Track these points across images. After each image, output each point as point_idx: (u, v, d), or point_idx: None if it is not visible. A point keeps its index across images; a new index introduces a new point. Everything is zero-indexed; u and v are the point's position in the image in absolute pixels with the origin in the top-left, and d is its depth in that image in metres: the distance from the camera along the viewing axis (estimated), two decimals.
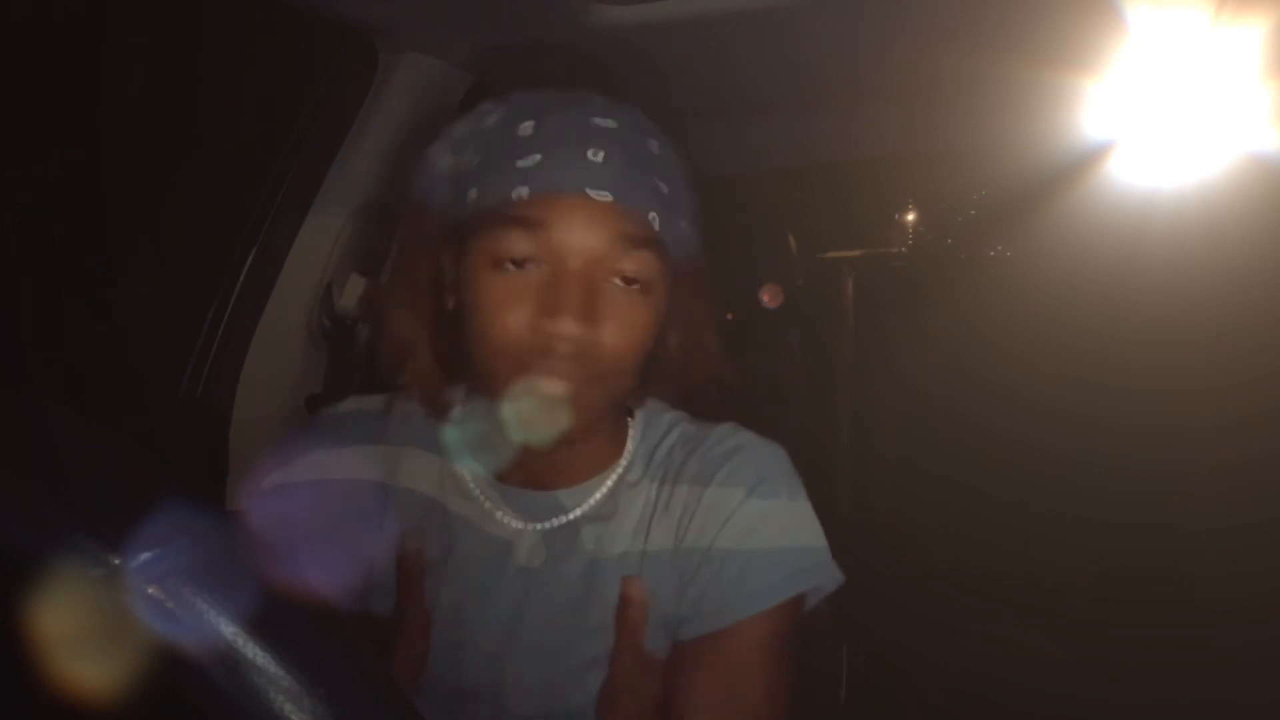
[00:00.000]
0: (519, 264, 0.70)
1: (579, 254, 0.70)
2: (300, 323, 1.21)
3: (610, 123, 0.73)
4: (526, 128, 0.72)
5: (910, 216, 3.49)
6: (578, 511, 0.81)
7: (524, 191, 0.70)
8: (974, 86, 1.30)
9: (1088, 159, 1.60)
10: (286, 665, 0.30)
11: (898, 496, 2.76)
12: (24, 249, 1.12)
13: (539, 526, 0.81)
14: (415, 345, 0.80)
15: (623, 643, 0.77)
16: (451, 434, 0.82)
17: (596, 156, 0.70)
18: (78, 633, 0.29)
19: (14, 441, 0.32)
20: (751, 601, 0.75)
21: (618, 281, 0.71)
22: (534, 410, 0.71)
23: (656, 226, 0.72)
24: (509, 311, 0.70)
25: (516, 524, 0.81)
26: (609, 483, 0.82)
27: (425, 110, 1.23)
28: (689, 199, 0.78)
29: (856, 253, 3.06)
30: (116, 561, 0.29)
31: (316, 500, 0.81)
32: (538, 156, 0.70)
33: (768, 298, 1.79)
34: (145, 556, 0.30)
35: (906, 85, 1.33)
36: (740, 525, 0.77)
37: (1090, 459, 2.52)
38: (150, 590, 0.30)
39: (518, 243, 0.70)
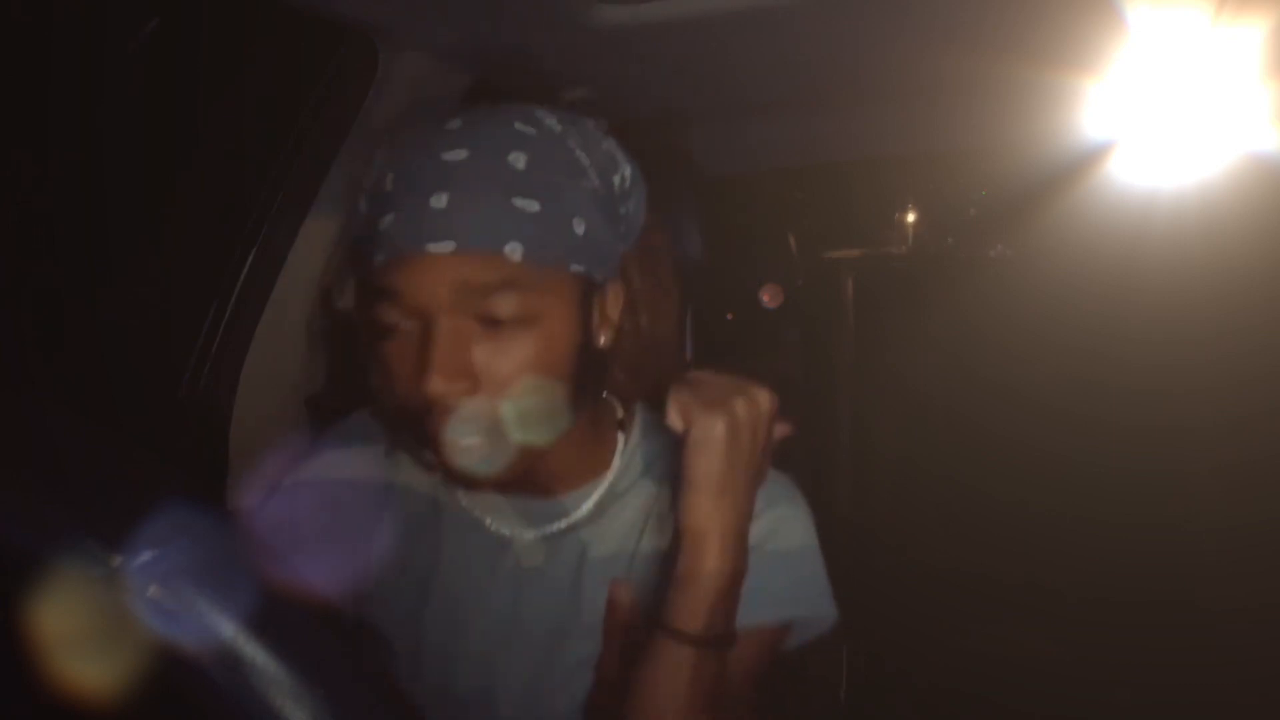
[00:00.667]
0: (391, 331, 0.69)
1: (430, 314, 0.67)
2: (300, 323, 1.21)
3: (461, 154, 0.67)
4: (388, 181, 0.69)
5: (910, 216, 3.49)
6: (573, 516, 0.81)
7: (381, 258, 0.68)
8: (974, 86, 1.30)
9: (1088, 159, 1.60)
10: (286, 665, 0.30)
11: (898, 496, 2.76)
12: (24, 249, 1.12)
13: (533, 532, 0.81)
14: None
15: (610, 647, 0.77)
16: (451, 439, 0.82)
17: (439, 202, 0.66)
18: (78, 633, 0.29)
19: (14, 441, 0.32)
20: (745, 614, 0.74)
21: (485, 326, 0.67)
22: (474, 452, 0.69)
23: (518, 257, 0.66)
24: (392, 380, 0.69)
25: (510, 529, 0.81)
26: (602, 488, 0.82)
27: (425, 110, 1.23)
28: (602, 190, 0.72)
29: (856, 253, 3.06)
30: (116, 561, 0.29)
31: (317, 500, 0.81)
32: (390, 216, 0.67)
33: (768, 298, 1.79)
34: (145, 556, 0.30)
35: (906, 85, 1.33)
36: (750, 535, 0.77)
37: (1090, 459, 2.52)
38: (150, 590, 0.30)
39: (383, 313, 0.68)
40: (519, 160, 0.68)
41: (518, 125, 0.70)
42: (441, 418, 0.67)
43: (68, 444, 0.32)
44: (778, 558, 0.78)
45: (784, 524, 0.80)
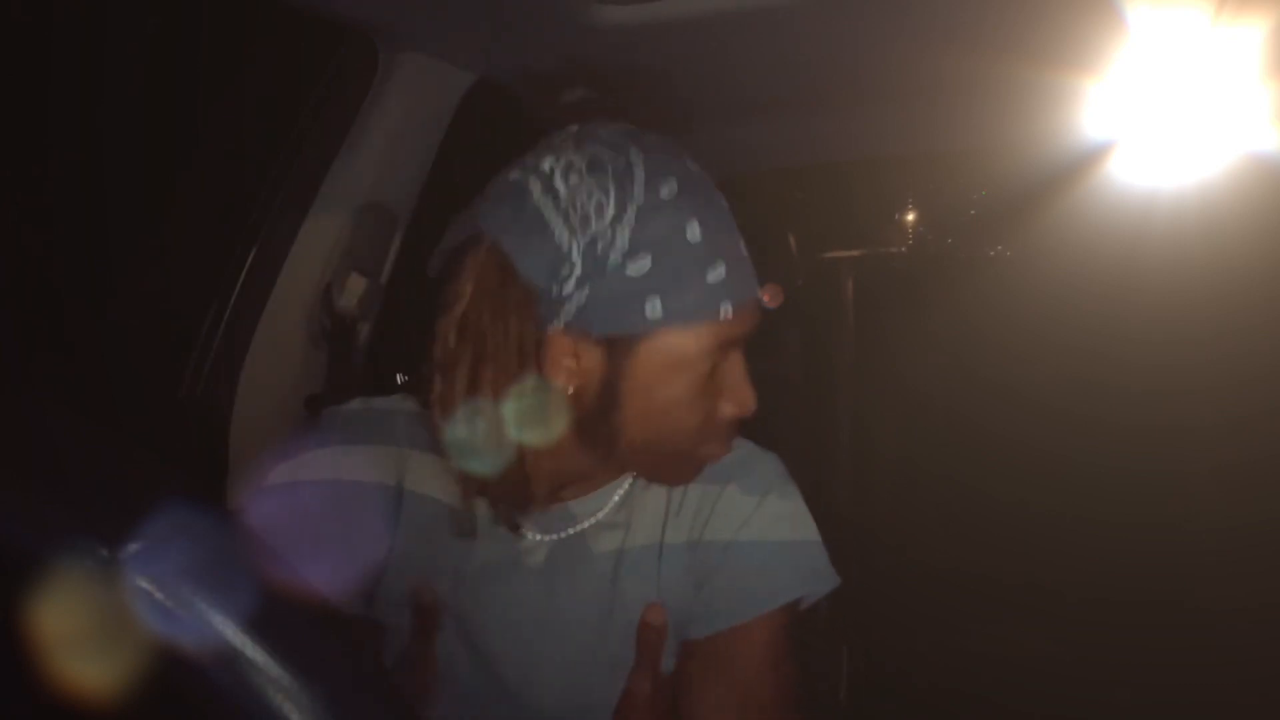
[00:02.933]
0: (711, 367, 0.75)
1: (740, 344, 0.78)
2: (300, 323, 1.21)
3: (723, 201, 0.78)
4: (694, 231, 0.73)
5: (910, 216, 3.49)
6: (590, 520, 0.81)
7: (728, 309, 0.74)
8: (974, 86, 1.30)
9: (1088, 159, 1.60)
10: (286, 665, 0.30)
11: (898, 496, 2.76)
12: (24, 249, 1.12)
13: (551, 537, 0.81)
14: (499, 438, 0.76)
15: (642, 664, 0.79)
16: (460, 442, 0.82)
17: (744, 251, 0.77)
18: (78, 632, 0.29)
19: (14, 441, 0.32)
20: (764, 600, 0.78)
21: None
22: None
23: None
24: (697, 405, 0.75)
25: (536, 532, 0.81)
26: (621, 490, 0.83)
27: (425, 110, 1.23)
28: None
29: (856, 253, 3.06)
30: (116, 561, 0.29)
31: (319, 500, 0.81)
32: (722, 267, 0.74)
33: (768, 298, 1.79)
34: (145, 556, 0.30)
35: (906, 85, 1.33)
36: (756, 527, 0.80)
37: (1090, 459, 2.52)
38: (150, 590, 0.30)
39: (714, 353, 0.74)
40: None
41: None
42: (729, 436, 0.79)
43: (68, 444, 0.32)
44: (776, 547, 0.81)
45: (778, 512, 0.82)
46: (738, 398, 0.77)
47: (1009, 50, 1.13)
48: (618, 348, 0.72)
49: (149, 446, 0.33)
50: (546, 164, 0.72)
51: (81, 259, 1.18)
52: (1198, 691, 2.02)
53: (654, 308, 0.71)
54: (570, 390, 0.74)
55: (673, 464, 0.78)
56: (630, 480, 0.83)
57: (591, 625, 0.80)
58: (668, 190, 0.72)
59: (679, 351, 0.73)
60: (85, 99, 1.15)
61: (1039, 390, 2.49)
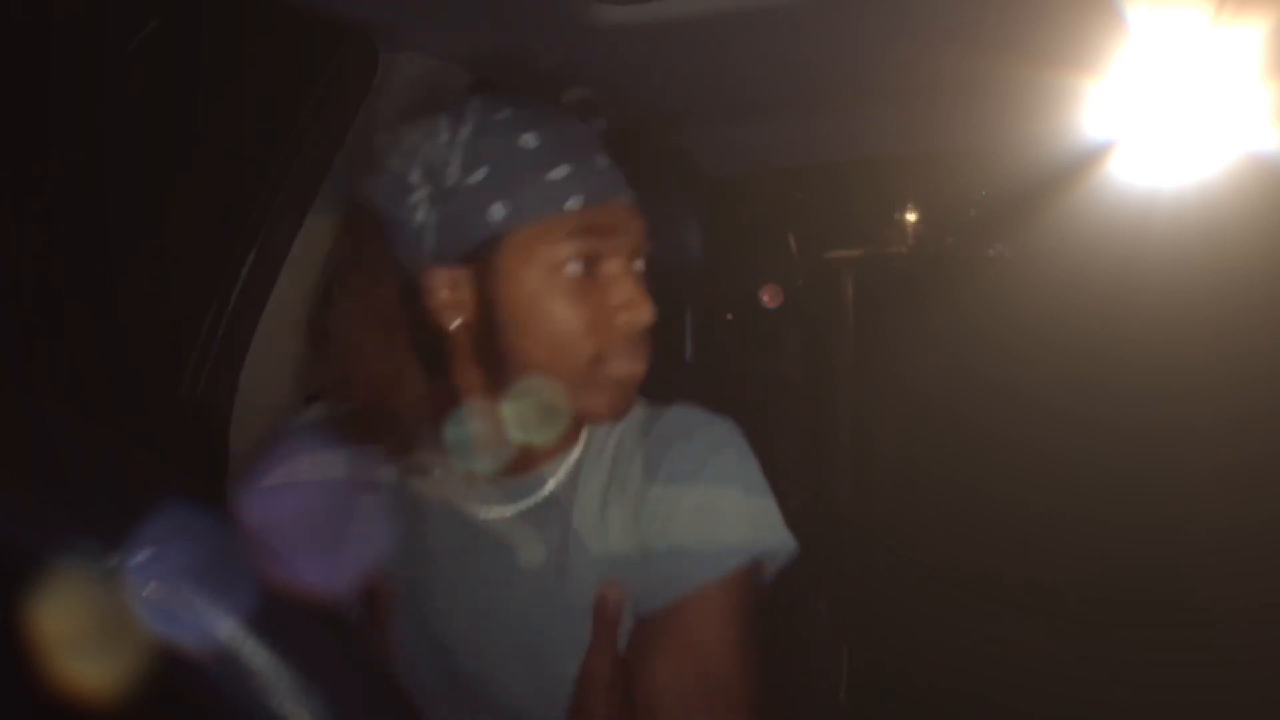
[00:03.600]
0: (580, 269, 0.75)
1: (627, 253, 0.78)
2: (300, 323, 1.21)
3: (582, 126, 0.80)
4: (529, 139, 0.76)
5: (910, 216, 3.49)
6: (542, 492, 0.82)
7: (576, 202, 0.74)
8: (974, 86, 1.30)
9: (1088, 159, 1.60)
10: (286, 665, 0.30)
11: (898, 496, 2.76)
12: (24, 248, 1.12)
13: (511, 508, 0.81)
14: (400, 378, 0.79)
15: (599, 643, 0.77)
16: (451, 436, 0.83)
17: (604, 162, 0.78)
18: (78, 633, 0.29)
19: (14, 441, 0.32)
20: (711, 564, 0.76)
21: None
22: (537, 411, 0.75)
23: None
24: (581, 310, 0.75)
25: (487, 510, 0.82)
26: (569, 464, 0.83)
27: (425, 110, 1.23)
28: None
29: (856, 253, 3.06)
30: (116, 561, 0.29)
31: (319, 500, 0.81)
32: (566, 168, 0.75)
33: (768, 298, 1.80)
34: (145, 556, 0.30)
35: (906, 85, 1.33)
36: (700, 489, 0.79)
37: (1090, 459, 2.52)
38: (150, 590, 0.30)
39: (582, 249, 0.75)
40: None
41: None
42: (634, 347, 0.77)
43: (68, 444, 0.32)
44: (722, 509, 0.79)
45: (724, 473, 0.80)
46: (626, 304, 0.76)
47: (1009, 50, 1.13)
48: (481, 266, 0.75)
49: (149, 446, 0.33)
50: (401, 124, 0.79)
51: (81, 259, 1.18)
52: (1198, 691, 2.02)
53: (496, 211, 0.74)
54: (458, 325, 0.77)
55: (589, 388, 0.77)
56: (582, 447, 0.84)
57: (543, 605, 0.79)
58: (501, 115, 0.77)
59: (534, 253, 0.74)
60: (85, 99, 1.14)
61: (1039, 390, 2.49)
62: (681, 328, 1.80)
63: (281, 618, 0.32)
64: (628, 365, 0.77)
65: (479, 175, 0.74)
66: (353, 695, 0.33)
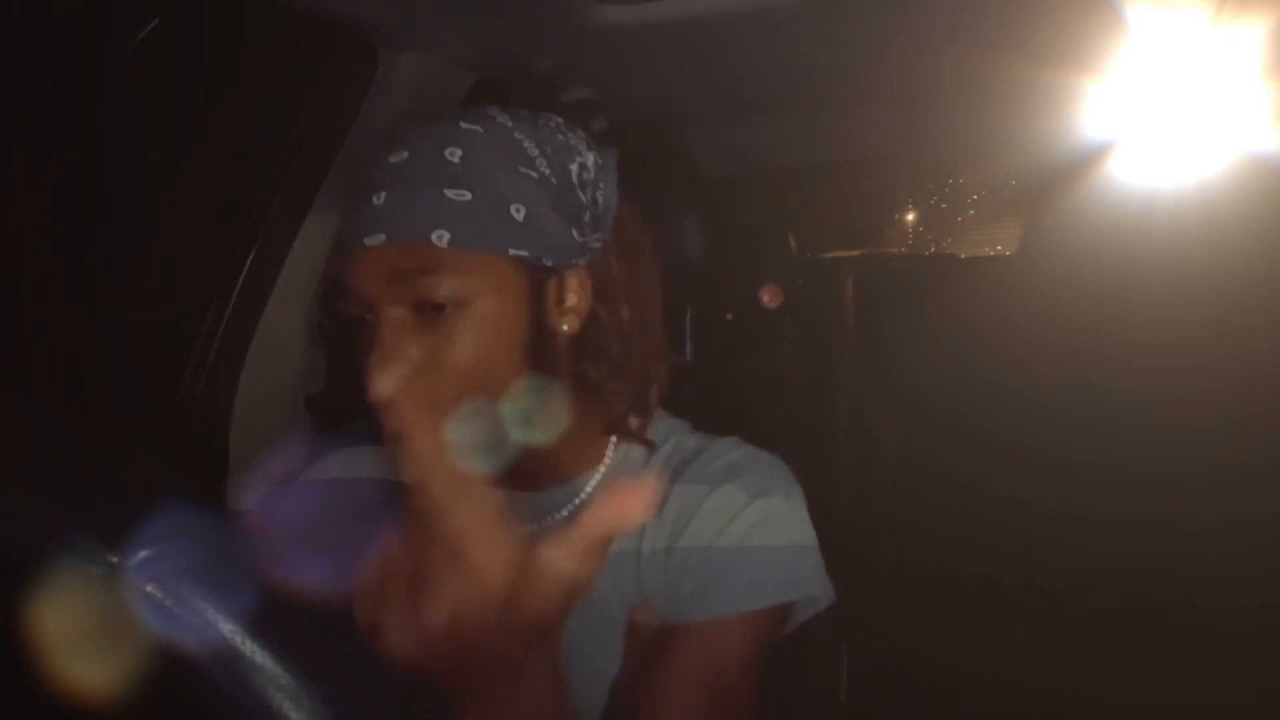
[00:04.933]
0: (361, 322, 0.73)
1: (370, 303, 0.71)
2: (300, 323, 1.21)
3: (403, 155, 0.72)
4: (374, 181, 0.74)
5: (910, 216, 3.50)
6: (563, 512, 0.80)
7: (339, 258, 0.73)
8: (974, 86, 1.30)
9: (1088, 159, 1.60)
10: (286, 665, 0.30)
11: (898, 496, 2.76)
12: (24, 249, 1.12)
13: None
14: None
15: (629, 667, 0.77)
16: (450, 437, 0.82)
17: (379, 200, 0.71)
18: (78, 632, 0.29)
19: (14, 441, 0.32)
20: (743, 598, 0.75)
21: (423, 315, 0.70)
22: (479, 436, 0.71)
23: (444, 243, 0.69)
24: (361, 370, 0.72)
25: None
26: (595, 480, 0.82)
27: (425, 110, 1.23)
28: (553, 176, 0.74)
29: (856, 253, 3.06)
30: (116, 561, 0.29)
31: (319, 500, 0.81)
32: (346, 217, 0.74)
33: (768, 298, 1.80)
34: (145, 556, 0.30)
35: (906, 85, 1.33)
36: (740, 528, 0.77)
37: (1090, 459, 2.52)
38: (150, 589, 0.30)
39: (341, 307, 0.73)
40: (455, 155, 0.72)
41: (463, 124, 0.74)
42: (390, 408, 0.69)
43: (68, 444, 0.32)
44: (761, 550, 0.78)
45: (768, 515, 0.79)
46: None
47: (1009, 50, 1.13)
48: None
49: (149, 446, 0.33)
50: None
51: (82, 259, 1.18)
52: (1198, 691, 2.02)
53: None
54: None
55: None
56: (603, 472, 0.82)
57: (577, 619, 0.78)
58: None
59: None
60: (85, 98, 1.14)
61: (1039, 390, 2.48)
62: (681, 328, 1.80)
63: (281, 618, 0.32)
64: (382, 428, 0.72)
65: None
66: (352, 695, 0.33)
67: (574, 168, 0.76)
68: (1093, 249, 2.53)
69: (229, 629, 0.30)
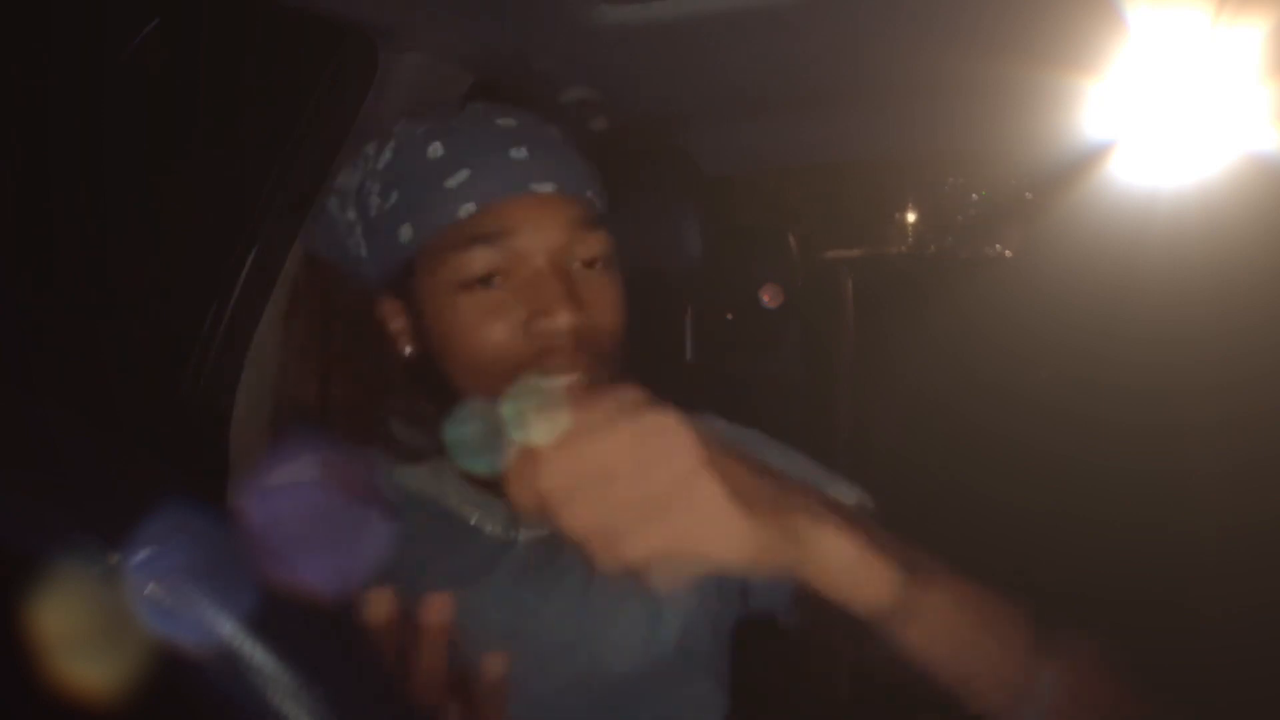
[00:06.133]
0: (487, 280, 0.69)
1: (544, 250, 0.70)
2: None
3: (511, 122, 0.73)
4: (435, 149, 0.71)
5: (910, 216, 3.50)
6: None
7: (470, 208, 0.69)
8: (974, 86, 1.30)
9: (1088, 159, 1.60)
10: (286, 665, 0.30)
11: (897, 496, 2.75)
12: (24, 248, 1.12)
13: (537, 532, 0.79)
14: (378, 406, 0.78)
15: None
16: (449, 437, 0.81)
17: (520, 154, 0.70)
18: (78, 633, 0.29)
19: (14, 442, 0.32)
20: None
21: (582, 267, 0.71)
22: (536, 411, 0.70)
23: (599, 203, 0.74)
24: (496, 324, 0.69)
25: (513, 532, 0.79)
26: None
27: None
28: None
29: (856, 253, 3.06)
30: (116, 560, 0.29)
31: (319, 500, 0.81)
32: (465, 172, 0.69)
33: (768, 298, 1.80)
34: (145, 555, 0.30)
35: (906, 85, 1.33)
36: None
37: (1091, 459, 2.52)
38: (150, 589, 0.30)
39: (482, 258, 0.69)
40: (556, 132, 0.75)
41: (532, 113, 0.77)
42: (556, 357, 0.68)
43: (68, 444, 0.32)
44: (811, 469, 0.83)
45: (780, 461, 0.80)
46: (541, 309, 0.68)
47: (1009, 50, 1.13)
48: (406, 291, 0.73)
49: (149, 446, 0.33)
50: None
51: (82, 259, 1.18)
52: (1198, 691, 2.01)
53: (405, 231, 0.71)
54: (410, 353, 0.75)
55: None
56: None
57: (589, 632, 0.77)
58: (422, 128, 0.73)
59: (439, 269, 0.69)
60: (85, 98, 1.14)
61: (1039, 390, 2.49)
62: (681, 328, 1.80)
63: (281, 618, 0.32)
64: (559, 367, 0.69)
65: (392, 199, 0.71)
66: (352, 695, 0.33)
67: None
68: (1093, 249, 2.53)
69: (229, 629, 0.30)
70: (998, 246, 3.40)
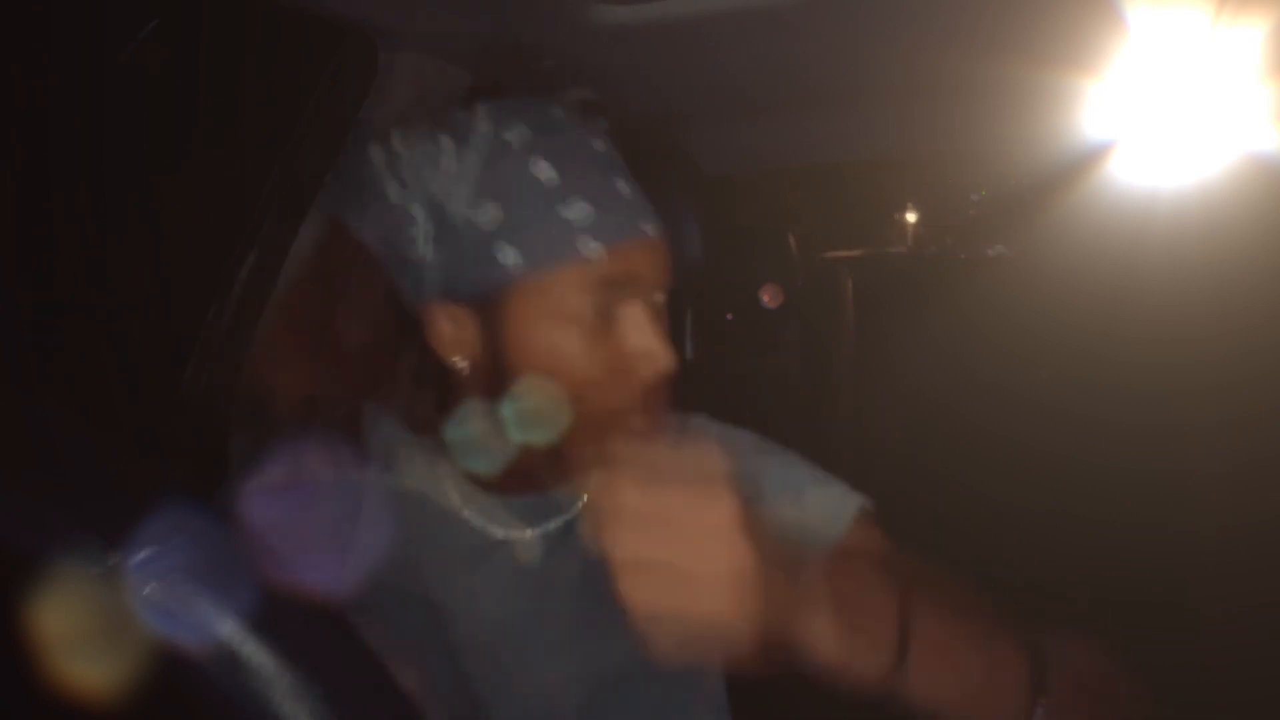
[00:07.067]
0: (600, 313, 0.69)
1: (653, 294, 0.72)
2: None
3: (601, 145, 0.73)
4: (544, 169, 0.68)
5: (910, 216, 3.50)
6: (571, 512, 0.80)
7: (597, 248, 0.67)
8: (974, 86, 1.30)
9: (1088, 159, 1.60)
10: (286, 665, 0.30)
11: (897, 496, 2.75)
12: (24, 248, 1.12)
13: (536, 530, 0.80)
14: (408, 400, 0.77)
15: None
16: (449, 436, 0.81)
17: (625, 189, 0.71)
18: (78, 632, 0.29)
19: (14, 441, 0.32)
20: (830, 526, 0.78)
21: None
22: (540, 417, 0.70)
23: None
24: (601, 360, 0.69)
25: (512, 531, 0.80)
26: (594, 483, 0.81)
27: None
28: None
29: (856, 253, 3.06)
30: (116, 560, 0.29)
31: (319, 500, 0.81)
32: (585, 205, 0.68)
33: (768, 298, 1.80)
34: (145, 555, 0.30)
35: (906, 85, 1.33)
36: (793, 477, 0.82)
37: (1090, 459, 2.52)
38: (150, 589, 0.30)
39: (604, 300, 0.68)
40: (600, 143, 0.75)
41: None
42: (655, 395, 0.70)
43: (68, 444, 0.32)
44: (806, 483, 0.82)
45: (779, 465, 0.82)
46: (646, 353, 0.69)
47: (1009, 50, 1.13)
48: (489, 308, 0.70)
49: (149, 446, 0.33)
50: (395, 131, 0.73)
51: (82, 259, 1.18)
52: (1198, 691, 2.02)
53: (507, 255, 0.67)
54: (464, 364, 0.73)
55: (598, 436, 0.69)
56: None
57: (583, 626, 0.77)
58: (514, 135, 0.70)
59: (547, 300, 0.68)
60: (85, 98, 1.15)
61: (1039, 390, 2.49)
62: (681, 328, 1.80)
63: (281, 618, 0.32)
64: (644, 419, 0.70)
65: (488, 211, 0.68)
66: (352, 695, 0.33)
67: None
68: (1093, 249, 2.53)
69: (229, 629, 0.30)
70: (998, 246, 3.39)
